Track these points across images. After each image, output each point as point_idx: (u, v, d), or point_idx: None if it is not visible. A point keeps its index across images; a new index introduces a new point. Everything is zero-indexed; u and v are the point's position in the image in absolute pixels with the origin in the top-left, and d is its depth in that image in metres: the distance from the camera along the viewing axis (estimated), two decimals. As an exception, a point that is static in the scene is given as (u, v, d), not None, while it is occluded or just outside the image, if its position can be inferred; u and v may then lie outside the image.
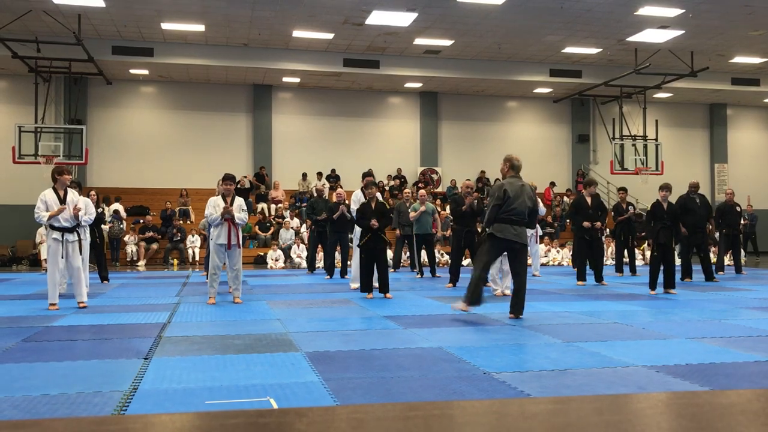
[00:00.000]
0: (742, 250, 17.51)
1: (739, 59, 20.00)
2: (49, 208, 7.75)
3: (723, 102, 24.72)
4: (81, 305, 7.90)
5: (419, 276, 12.85)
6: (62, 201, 7.84)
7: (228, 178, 8.46)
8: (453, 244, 11.14)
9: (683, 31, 17.07)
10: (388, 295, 8.95)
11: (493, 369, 4.48)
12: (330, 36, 17.72)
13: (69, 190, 8.02)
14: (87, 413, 3.52)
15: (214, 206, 8.41)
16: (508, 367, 4.56)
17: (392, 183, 21.78)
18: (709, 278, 11.74)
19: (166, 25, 16.81)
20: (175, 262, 17.53)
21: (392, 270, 14.36)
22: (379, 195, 9.53)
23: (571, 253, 16.58)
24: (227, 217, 8.33)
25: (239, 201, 8.51)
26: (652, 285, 9.56)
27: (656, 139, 21.47)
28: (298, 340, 5.59)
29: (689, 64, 19.07)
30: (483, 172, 22.68)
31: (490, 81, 21.19)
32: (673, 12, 15.60)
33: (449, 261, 11.85)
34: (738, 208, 13.59)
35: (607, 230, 14.76)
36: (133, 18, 16.28)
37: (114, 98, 20.79)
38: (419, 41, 18.22)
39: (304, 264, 15.75)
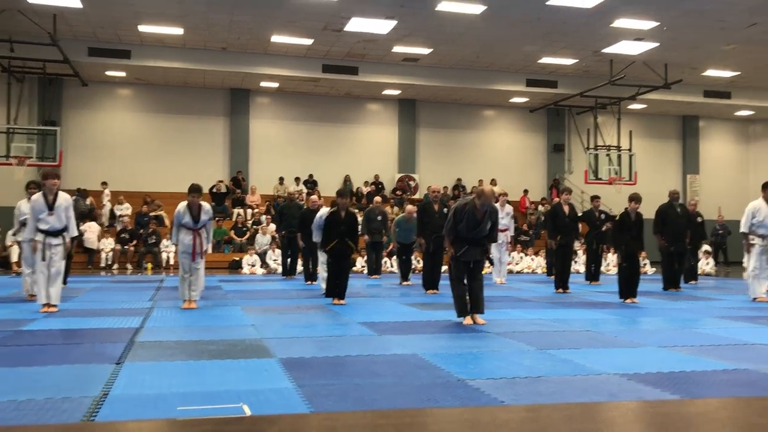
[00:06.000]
0: (712, 260, 17.83)
1: (711, 72, 20.36)
2: (33, 215, 7.82)
3: (695, 114, 25.12)
4: (51, 309, 7.84)
5: (407, 283, 12.76)
6: (50, 206, 7.81)
7: (193, 190, 8.31)
8: (424, 251, 11.17)
9: (658, 44, 17.33)
10: (342, 301, 8.93)
11: (468, 376, 4.50)
12: (309, 42, 17.72)
13: (60, 193, 7.96)
14: (55, 420, 3.48)
15: (182, 212, 8.39)
16: (482, 374, 4.59)
17: (369, 189, 21.80)
18: (676, 285, 11.87)
19: (143, 28, 16.69)
20: (150, 266, 17.37)
21: (375, 276, 14.33)
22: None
23: (545, 261, 16.72)
24: (193, 227, 8.33)
25: (205, 208, 8.47)
26: (623, 294, 9.64)
27: (630, 150, 21.74)
28: (272, 346, 5.57)
29: (663, 76, 19.35)
30: (459, 179, 22.79)
31: (468, 90, 21.32)
32: (648, 24, 15.83)
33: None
34: (699, 219, 13.80)
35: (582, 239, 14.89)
36: (111, 20, 16.15)
37: (90, 100, 20.57)
38: (398, 49, 18.29)
39: (280, 269, 15.70)
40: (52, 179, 7.91)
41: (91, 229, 17.40)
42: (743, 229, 9.82)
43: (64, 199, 8.01)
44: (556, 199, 13.59)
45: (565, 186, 12.16)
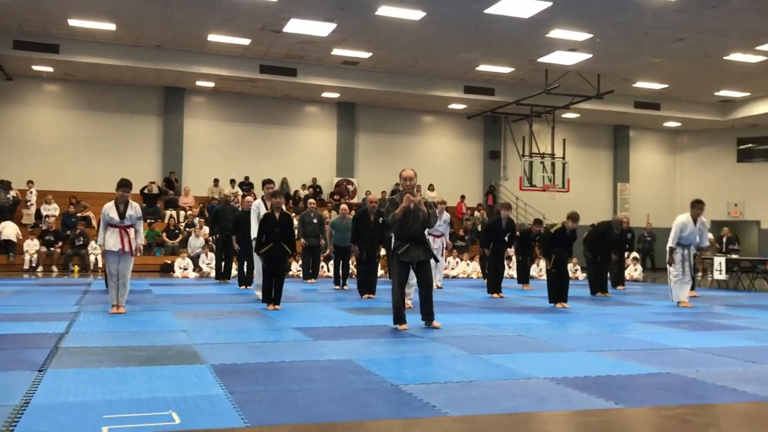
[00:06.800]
0: (639, 266, 18.46)
1: (641, 84, 21.09)
2: None
3: (626, 124, 25.97)
4: None
5: (343, 287, 12.71)
6: None
7: (122, 185, 8.14)
8: (357, 258, 11.29)
9: (591, 55, 17.84)
10: (277, 306, 8.86)
11: (401, 381, 4.51)
12: (246, 41, 17.50)
13: None
14: (-29, 430, 3.32)
15: (108, 208, 8.18)
16: (415, 379, 4.61)
17: (307, 192, 21.67)
18: (601, 290, 12.32)
19: (73, 22, 16.14)
20: (76, 268, 16.78)
21: (311, 281, 14.22)
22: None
23: (479, 266, 16.99)
24: (120, 225, 8.11)
25: (133, 205, 8.27)
26: (552, 298, 9.98)
27: (563, 158, 22.31)
28: (203, 352, 5.46)
29: (596, 86, 19.94)
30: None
31: (407, 95, 21.46)
32: (582, 36, 16.28)
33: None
34: (629, 235, 14.58)
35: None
36: (38, 12, 15.55)
37: (15, 95, 19.77)
38: (337, 51, 18.26)
39: (214, 273, 15.42)
40: None
41: (8, 227, 16.77)
42: (672, 244, 10.29)
43: None
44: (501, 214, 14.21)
45: (508, 202, 12.56)
